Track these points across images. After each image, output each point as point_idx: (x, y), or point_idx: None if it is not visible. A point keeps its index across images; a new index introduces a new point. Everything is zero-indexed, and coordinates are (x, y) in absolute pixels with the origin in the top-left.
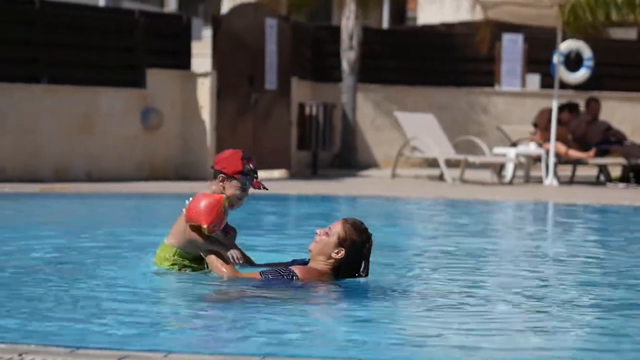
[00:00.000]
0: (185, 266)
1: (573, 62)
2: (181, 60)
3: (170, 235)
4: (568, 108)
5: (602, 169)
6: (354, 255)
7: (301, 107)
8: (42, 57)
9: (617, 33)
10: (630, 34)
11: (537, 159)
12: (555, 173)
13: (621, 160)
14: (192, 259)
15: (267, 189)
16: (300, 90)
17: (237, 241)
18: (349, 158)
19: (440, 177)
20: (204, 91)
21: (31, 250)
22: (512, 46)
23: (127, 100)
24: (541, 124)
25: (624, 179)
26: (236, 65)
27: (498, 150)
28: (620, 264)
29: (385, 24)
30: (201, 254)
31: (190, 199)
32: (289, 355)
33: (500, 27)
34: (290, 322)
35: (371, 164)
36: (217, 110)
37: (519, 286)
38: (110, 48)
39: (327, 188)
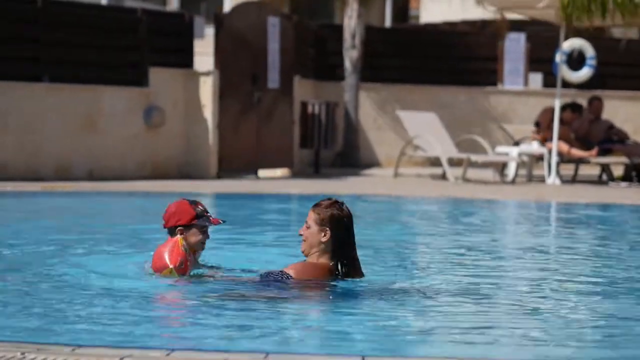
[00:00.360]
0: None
1: (576, 61)
2: (184, 58)
3: None
4: (571, 108)
5: (605, 168)
6: (340, 228)
7: (303, 105)
8: (44, 55)
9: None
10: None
11: (540, 158)
12: (557, 172)
13: (623, 159)
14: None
15: (225, 221)
16: (303, 89)
17: (237, 242)
18: (351, 157)
19: (443, 176)
20: (207, 90)
21: (32, 250)
22: (514, 45)
23: (130, 98)
24: (544, 123)
25: (626, 178)
26: (238, 64)
27: (500, 149)
28: (621, 264)
29: (387, 23)
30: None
31: (147, 261)
32: (291, 353)
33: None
34: (291, 321)
35: (373, 163)
36: (219, 109)
37: (520, 285)
38: (112, 47)
39: (330, 187)
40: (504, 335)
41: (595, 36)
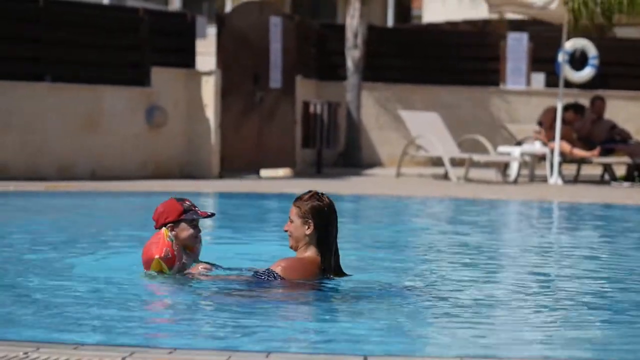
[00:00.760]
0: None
1: (578, 60)
2: (185, 58)
3: None
4: (574, 108)
5: (607, 167)
6: (322, 218)
7: (305, 105)
8: (46, 55)
9: (623, 32)
10: (636, 32)
11: (542, 158)
12: (559, 172)
13: (626, 159)
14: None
15: (214, 214)
16: (305, 89)
17: (237, 240)
18: (353, 157)
19: (445, 176)
20: (209, 89)
21: (34, 249)
22: (517, 45)
23: (132, 98)
24: (546, 123)
25: (628, 177)
26: (240, 64)
27: (503, 149)
28: (623, 263)
29: (390, 22)
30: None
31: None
32: (293, 352)
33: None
34: (293, 321)
35: (375, 163)
36: (221, 109)
37: (521, 285)
38: (114, 46)
39: (332, 187)
40: (505, 335)
41: (597, 36)
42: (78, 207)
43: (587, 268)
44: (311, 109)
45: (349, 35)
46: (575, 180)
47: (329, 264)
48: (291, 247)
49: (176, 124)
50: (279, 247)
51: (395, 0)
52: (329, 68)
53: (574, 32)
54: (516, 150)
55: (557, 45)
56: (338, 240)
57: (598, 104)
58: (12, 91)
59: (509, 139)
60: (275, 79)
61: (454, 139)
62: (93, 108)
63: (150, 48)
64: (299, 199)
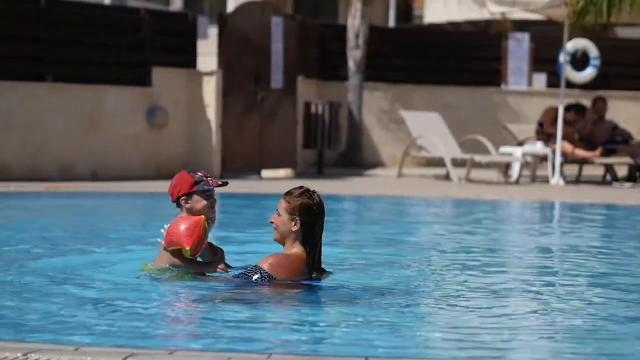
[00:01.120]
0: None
1: (579, 61)
2: (187, 58)
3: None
4: (575, 109)
5: (609, 168)
6: (310, 216)
7: (307, 105)
8: (47, 55)
9: (624, 32)
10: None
11: (544, 159)
12: (561, 172)
13: (627, 159)
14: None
15: (227, 183)
16: (306, 89)
17: (237, 240)
18: (354, 157)
19: (446, 177)
20: (210, 89)
21: (34, 249)
22: (518, 45)
23: (133, 98)
24: (546, 122)
25: (630, 178)
26: (242, 64)
27: (504, 149)
28: (625, 264)
29: (391, 23)
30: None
31: (166, 226)
32: (294, 353)
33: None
34: (293, 321)
35: (377, 163)
36: (222, 109)
37: (522, 285)
38: (115, 46)
39: (333, 187)
40: (506, 335)
41: (599, 36)
42: (78, 208)
43: (588, 268)
44: (312, 109)
45: (351, 35)
46: (577, 180)
47: (311, 261)
48: (275, 240)
49: (177, 124)
50: (279, 247)
51: (397, 1)
52: (331, 68)
53: (576, 32)
54: (518, 151)
55: (559, 46)
56: (324, 239)
57: (600, 104)
58: (12, 91)
59: (511, 139)
60: (277, 79)
61: (456, 140)
62: (94, 108)
63: (151, 48)
64: (289, 193)
